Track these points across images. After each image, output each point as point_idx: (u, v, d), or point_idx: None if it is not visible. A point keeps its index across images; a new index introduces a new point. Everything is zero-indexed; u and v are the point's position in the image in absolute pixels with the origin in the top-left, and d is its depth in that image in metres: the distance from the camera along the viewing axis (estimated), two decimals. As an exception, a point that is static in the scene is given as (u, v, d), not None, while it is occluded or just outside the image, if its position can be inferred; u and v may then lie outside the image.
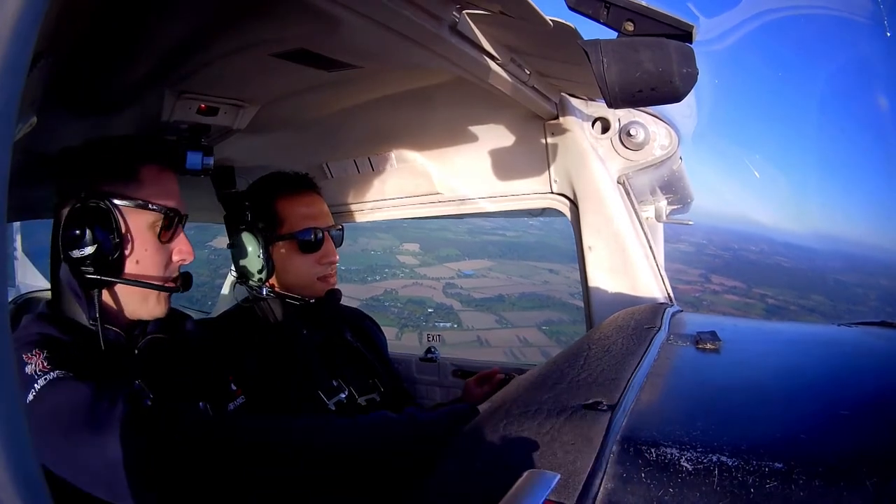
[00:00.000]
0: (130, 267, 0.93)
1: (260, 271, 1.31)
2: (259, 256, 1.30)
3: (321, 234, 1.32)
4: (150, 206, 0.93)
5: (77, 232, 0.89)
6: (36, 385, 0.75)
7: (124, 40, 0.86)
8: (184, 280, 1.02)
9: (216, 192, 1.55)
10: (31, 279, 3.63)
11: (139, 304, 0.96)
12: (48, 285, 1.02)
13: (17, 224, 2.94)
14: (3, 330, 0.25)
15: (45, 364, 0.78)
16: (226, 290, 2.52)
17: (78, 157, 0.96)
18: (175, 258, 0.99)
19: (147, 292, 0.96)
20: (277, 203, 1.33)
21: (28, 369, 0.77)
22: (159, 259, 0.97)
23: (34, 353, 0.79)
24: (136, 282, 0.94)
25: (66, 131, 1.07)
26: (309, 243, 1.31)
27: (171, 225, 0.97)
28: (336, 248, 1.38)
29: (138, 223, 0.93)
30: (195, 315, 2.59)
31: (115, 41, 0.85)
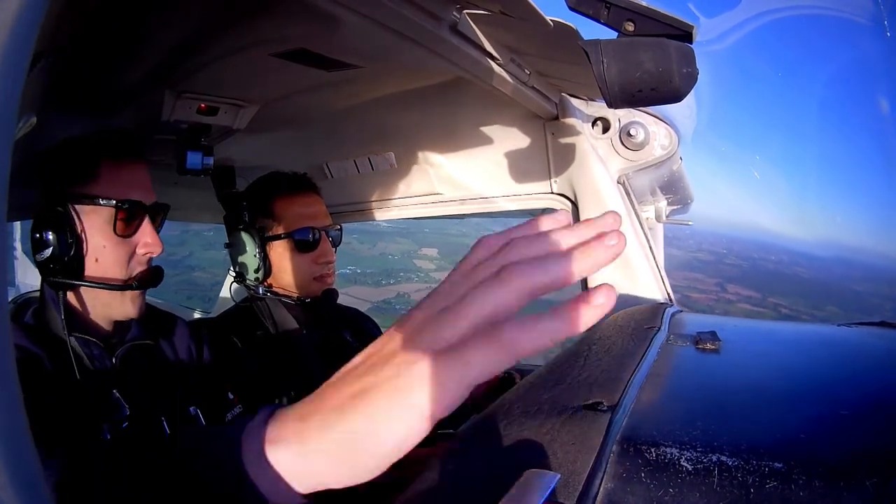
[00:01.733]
0: (90, 267, 0.91)
1: (257, 270, 1.31)
2: (256, 256, 1.30)
3: (318, 234, 1.32)
4: (100, 200, 0.91)
5: (37, 236, 0.90)
6: None
7: (124, 40, 0.86)
8: (151, 275, 0.98)
9: (216, 192, 1.55)
10: (31, 279, 3.63)
11: (107, 307, 0.94)
12: (48, 285, 1.03)
13: (17, 224, 2.94)
14: (2, 330, 0.25)
15: None
16: (225, 289, 2.52)
17: (44, 160, 0.95)
18: (140, 251, 0.95)
19: (111, 293, 0.93)
20: (275, 203, 1.33)
21: None
22: (120, 255, 0.93)
23: None
24: (94, 283, 0.91)
25: (65, 131, 1.07)
26: (305, 243, 1.31)
27: (129, 217, 0.93)
28: (334, 248, 1.38)
29: (93, 220, 0.91)
30: (196, 315, 2.60)
31: (115, 41, 0.85)
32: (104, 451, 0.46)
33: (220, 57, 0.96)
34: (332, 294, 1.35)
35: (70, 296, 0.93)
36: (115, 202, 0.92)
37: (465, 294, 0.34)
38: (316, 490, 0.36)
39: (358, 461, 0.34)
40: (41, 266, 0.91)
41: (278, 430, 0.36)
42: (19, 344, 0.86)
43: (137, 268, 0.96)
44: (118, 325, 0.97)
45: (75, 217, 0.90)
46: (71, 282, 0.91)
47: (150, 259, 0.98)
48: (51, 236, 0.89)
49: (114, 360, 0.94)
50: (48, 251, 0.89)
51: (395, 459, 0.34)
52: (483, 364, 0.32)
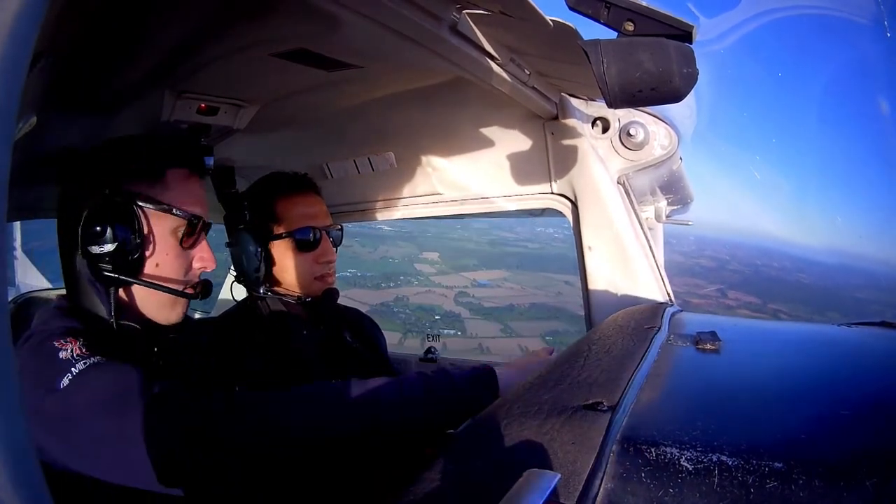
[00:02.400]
0: (150, 269, 0.92)
1: (257, 270, 1.31)
2: (257, 255, 1.30)
3: (318, 234, 1.32)
4: (174, 210, 0.92)
5: (98, 228, 0.88)
6: (74, 369, 0.75)
7: (124, 40, 0.86)
8: (203, 287, 1.01)
9: (216, 192, 1.55)
10: (31, 279, 3.63)
11: (155, 309, 0.95)
12: (48, 285, 1.02)
13: (17, 224, 2.95)
14: (3, 330, 0.25)
15: (84, 350, 0.78)
16: (225, 289, 2.52)
17: (103, 154, 0.95)
18: (196, 265, 0.98)
19: (164, 297, 0.95)
20: (276, 203, 1.33)
21: (63, 355, 0.76)
22: (179, 265, 0.96)
23: (68, 340, 0.79)
24: (154, 284, 0.93)
25: (66, 131, 1.07)
26: (306, 242, 1.31)
27: (193, 231, 0.96)
28: (335, 248, 1.38)
29: (161, 227, 0.93)
30: (197, 315, 2.60)
31: (115, 41, 0.85)
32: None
33: (220, 57, 0.96)
34: (332, 293, 1.35)
35: (120, 292, 0.93)
36: (187, 215, 0.94)
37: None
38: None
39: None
40: (92, 257, 0.89)
41: (500, 371, 0.92)
42: (67, 326, 0.84)
43: (192, 280, 0.98)
44: (154, 322, 0.98)
45: (143, 218, 0.91)
46: (133, 280, 0.91)
47: (201, 273, 1.00)
48: (115, 231, 0.88)
49: (155, 349, 0.95)
50: (109, 246, 0.88)
51: None
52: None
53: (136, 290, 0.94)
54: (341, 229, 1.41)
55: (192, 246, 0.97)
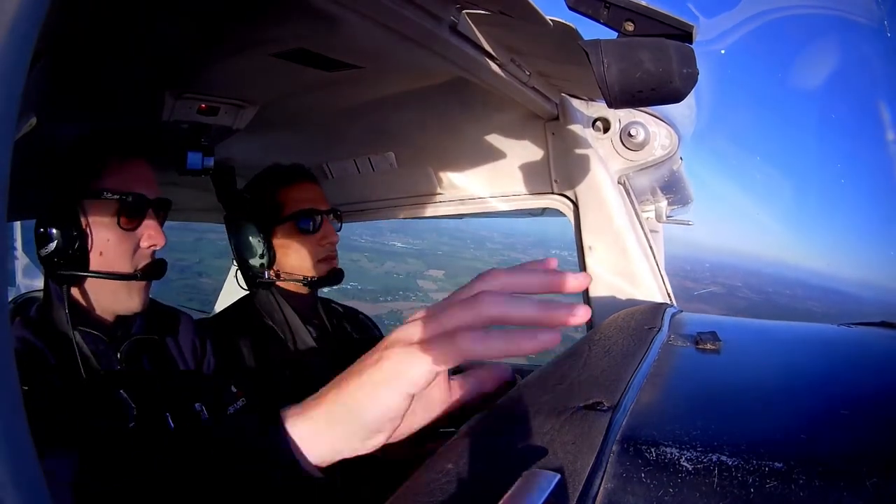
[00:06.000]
0: (95, 260, 0.93)
1: (261, 257, 1.33)
2: (260, 242, 1.32)
3: (319, 217, 1.34)
4: (104, 194, 0.93)
5: (42, 230, 0.92)
6: None
7: (124, 40, 0.86)
8: (154, 268, 1.00)
9: (216, 192, 1.55)
10: (31, 279, 3.63)
11: (111, 299, 0.96)
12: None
13: (17, 224, 2.95)
14: (3, 330, 0.25)
15: None
16: (226, 286, 2.52)
17: (56, 160, 0.98)
18: (143, 244, 0.98)
19: (116, 285, 0.95)
20: (278, 192, 1.36)
21: None
22: (125, 248, 0.96)
23: None
24: (102, 273, 0.94)
25: (65, 131, 1.07)
26: (308, 225, 1.34)
27: (133, 211, 0.96)
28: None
29: (98, 214, 0.94)
30: (197, 315, 2.60)
31: (116, 41, 0.85)
32: (123, 449, 0.51)
33: (220, 57, 0.96)
34: (338, 273, 1.38)
35: (75, 290, 0.94)
36: (119, 196, 0.94)
37: (445, 307, 0.42)
38: (330, 460, 0.44)
39: (352, 429, 0.42)
40: (46, 261, 0.92)
41: (296, 408, 0.44)
42: (21, 336, 0.86)
43: (142, 261, 0.98)
44: (122, 319, 0.98)
45: (80, 212, 0.92)
46: (76, 273, 0.93)
47: (154, 252, 1.00)
48: (55, 231, 0.91)
49: (118, 356, 0.95)
50: (52, 245, 0.91)
51: (384, 429, 0.43)
52: (437, 356, 0.41)
53: (89, 284, 0.95)
54: (340, 217, 1.43)
55: (136, 226, 0.97)
